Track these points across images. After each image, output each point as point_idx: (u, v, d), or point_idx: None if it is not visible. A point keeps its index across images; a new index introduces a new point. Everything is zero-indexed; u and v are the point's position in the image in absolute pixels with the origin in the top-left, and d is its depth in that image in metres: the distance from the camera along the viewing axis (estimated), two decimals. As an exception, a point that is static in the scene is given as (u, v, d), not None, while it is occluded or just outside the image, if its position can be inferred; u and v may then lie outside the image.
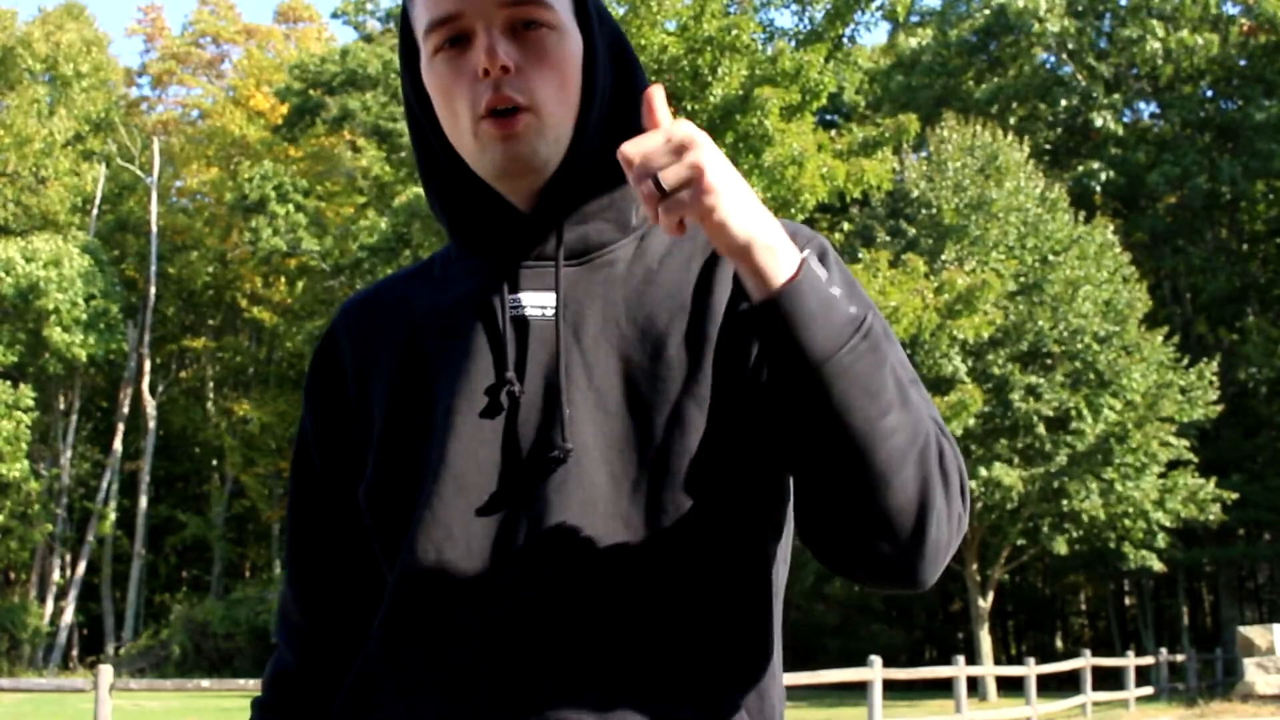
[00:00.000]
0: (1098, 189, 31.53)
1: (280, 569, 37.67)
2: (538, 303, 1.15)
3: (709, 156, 0.97)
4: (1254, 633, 19.24)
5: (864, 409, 1.00)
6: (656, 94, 1.00)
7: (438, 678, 1.08)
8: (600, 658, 1.05)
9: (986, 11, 33.82)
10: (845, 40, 23.19)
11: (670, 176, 0.96)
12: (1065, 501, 24.06)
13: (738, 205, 0.98)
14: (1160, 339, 26.12)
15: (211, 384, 43.04)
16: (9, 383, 32.77)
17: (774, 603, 1.15)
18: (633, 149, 0.97)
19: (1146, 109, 35.52)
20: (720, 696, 1.08)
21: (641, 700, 1.05)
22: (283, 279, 41.33)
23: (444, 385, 1.15)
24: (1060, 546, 24.62)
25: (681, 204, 0.97)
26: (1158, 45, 31.39)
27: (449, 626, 1.09)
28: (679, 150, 0.96)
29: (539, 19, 1.13)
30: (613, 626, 1.06)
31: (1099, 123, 32.18)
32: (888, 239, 25.02)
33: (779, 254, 1.01)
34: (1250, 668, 18.76)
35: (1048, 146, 34.39)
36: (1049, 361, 25.23)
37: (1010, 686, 22.71)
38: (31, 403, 32.72)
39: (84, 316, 34.01)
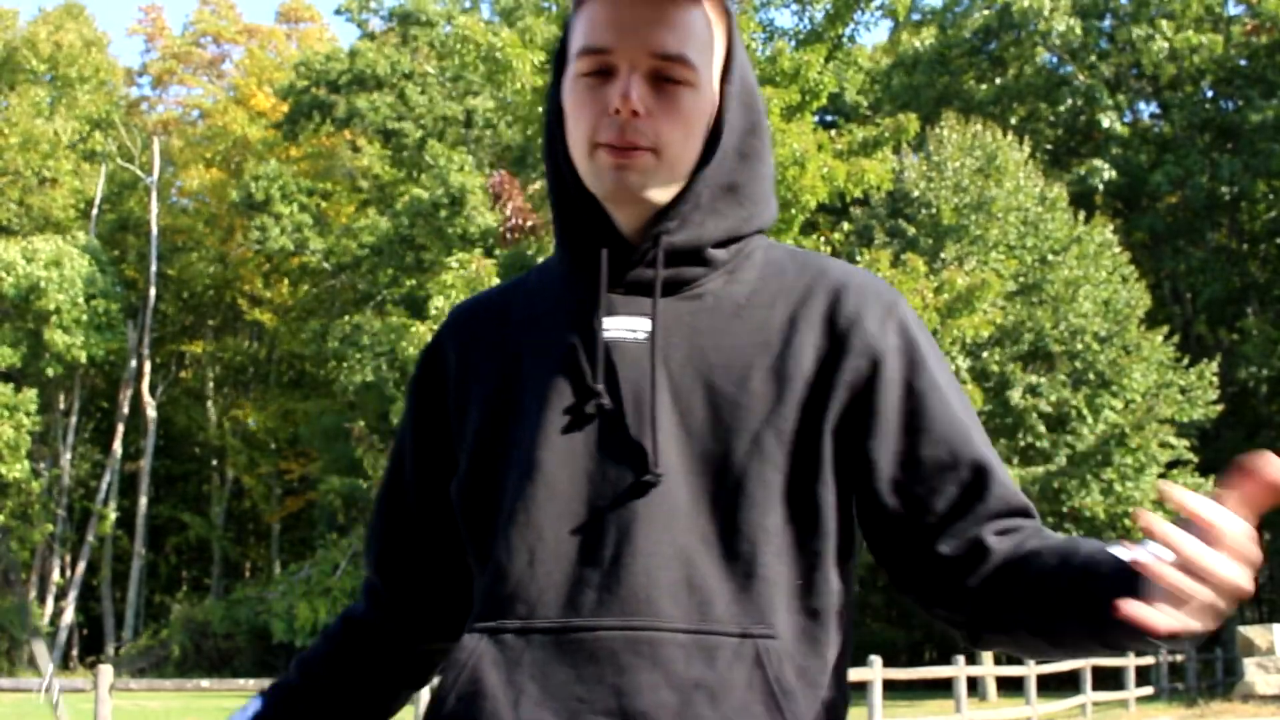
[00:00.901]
0: (1100, 187, 31.45)
1: (280, 569, 37.69)
2: (630, 326, 1.24)
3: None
4: (1254, 632, 19.24)
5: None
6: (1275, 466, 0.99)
7: (535, 674, 1.17)
8: (676, 662, 1.14)
9: (988, 11, 33.79)
10: (845, 40, 23.18)
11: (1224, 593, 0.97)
12: (1064, 500, 24.06)
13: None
14: (1160, 339, 26.11)
15: (212, 384, 43.04)
16: (10, 385, 32.78)
17: (845, 618, 1.24)
18: (1239, 550, 0.97)
19: (1147, 109, 35.51)
20: (775, 696, 1.15)
21: (714, 704, 1.13)
22: (285, 280, 41.35)
23: (538, 396, 1.24)
24: (1061, 541, 24.63)
25: (1202, 614, 0.97)
26: (1165, 45, 31.35)
27: (537, 617, 1.19)
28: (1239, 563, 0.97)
29: (680, 77, 1.21)
30: (689, 634, 1.15)
31: (1105, 124, 32.14)
32: (887, 239, 25.01)
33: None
34: (1250, 668, 18.76)
35: (1049, 147, 34.36)
36: (1049, 361, 25.22)
37: (1010, 686, 22.69)
38: (34, 408, 32.73)
39: (84, 317, 34.00)
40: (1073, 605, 1.11)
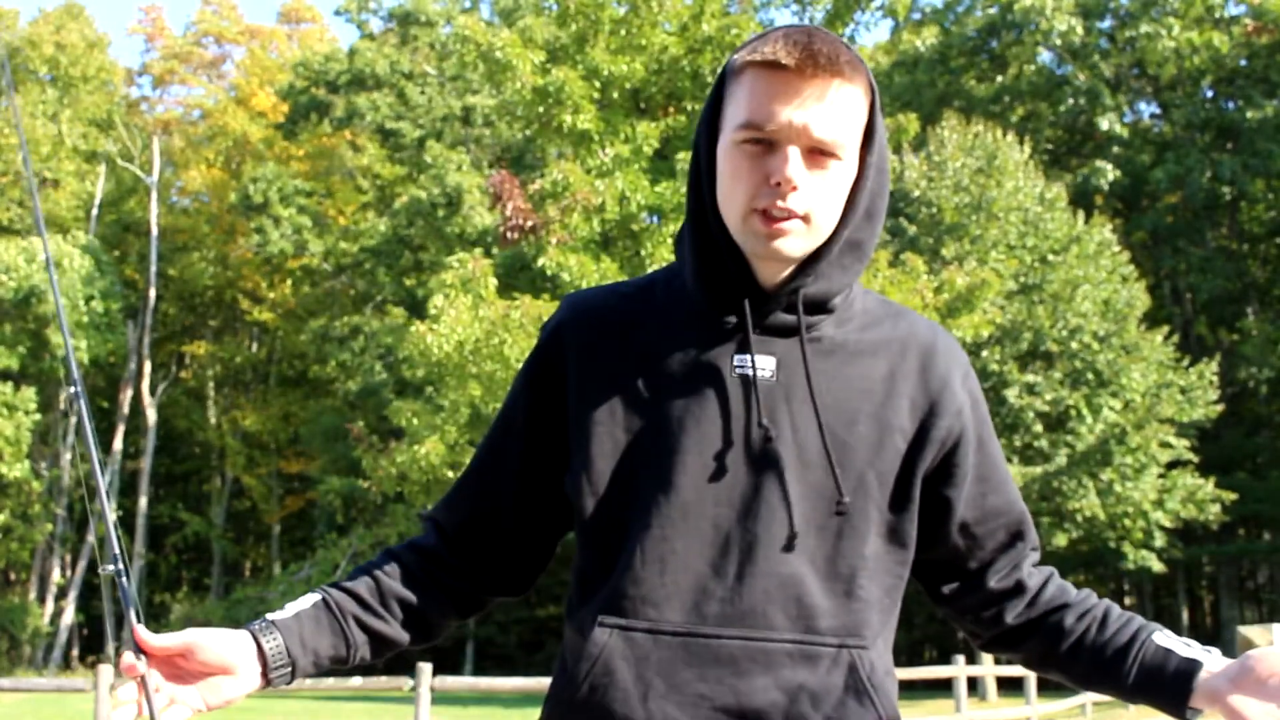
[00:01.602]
0: (1105, 186, 31.39)
1: (280, 569, 37.68)
2: (760, 364, 1.39)
3: None
4: (1254, 633, 19.15)
5: None
6: None
7: (663, 671, 1.34)
8: (785, 668, 1.34)
9: (992, 10, 33.77)
10: (845, 40, 23.17)
11: None
12: (1063, 500, 24.05)
13: None
14: (1160, 339, 26.09)
15: (212, 384, 43.03)
16: (11, 384, 32.75)
17: (892, 628, 1.47)
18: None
19: (1147, 109, 35.48)
20: (868, 693, 1.37)
21: (815, 704, 1.34)
22: (288, 280, 41.32)
23: (678, 420, 1.38)
24: (1059, 539, 24.62)
25: None
26: (1171, 44, 31.30)
27: (665, 620, 1.36)
28: None
29: (834, 153, 1.35)
30: (796, 644, 1.35)
31: (1104, 125, 32.10)
32: (888, 238, 25.01)
33: None
34: (1250, 668, 18.72)
35: (1049, 146, 34.34)
36: (1048, 361, 25.20)
37: (1010, 686, 22.70)
38: (34, 406, 32.70)
39: (84, 319, 33.96)
40: (1129, 686, 1.42)
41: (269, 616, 1.43)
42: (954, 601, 1.51)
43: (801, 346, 1.39)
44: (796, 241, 1.36)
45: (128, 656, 1.34)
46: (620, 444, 1.40)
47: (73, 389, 1.54)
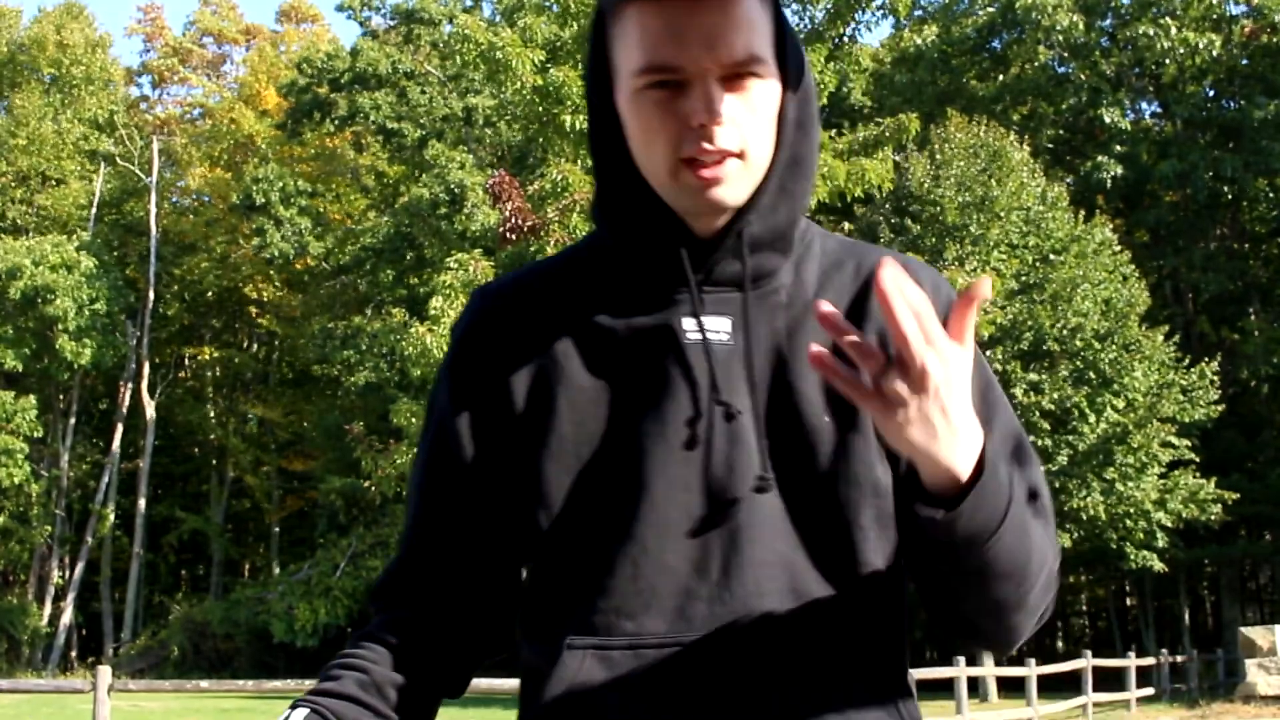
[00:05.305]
0: (1108, 181, 31.34)
1: (279, 569, 37.66)
2: (712, 327, 1.19)
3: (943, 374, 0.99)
4: (1255, 633, 19.22)
5: (1002, 583, 1.11)
6: (984, 288, 1.01)
7: (649, 689, 1.14)
8: (778, 662, 1.14)
9: (992, 9, 33.75)
10: (846, 39, 23.16)
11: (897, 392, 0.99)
12: (1065, 499, 24.04)
13: (939, 430, 1.02)
14: (1161, 338, 26.08)
15: (212, 384, 43.02)
16: (11, 393, 32.77)
17: (903, 609, 1.24)
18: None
19: (1149, 108, 35.47)
20: (877, 684, 1.18)
21: (813, 699, 1.14)
22: (289, 283, 41.31)
23: (631, 404, 1.18)
24: (1062, 539, 24.62)
25: (892, 418, 1.01)
26: (1168, 44, 31.27)
27: (646, 632, 1.15)
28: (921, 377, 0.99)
29: (753, 72, 1.14)
30: (788, 637, 1.15)
31: (1108, 119, 32.03)
32: (891, 236, 24.99)
33: (959, 467, 1.04)
34: (1252, 669, 18.75)
35: (1050, 145, 34.32)
36: (1048, 362, 25.18)
37: (1011, 687, 22.67)
38: (33, 414, 32.72)
39: (86, 321, 33.94)
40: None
41: None
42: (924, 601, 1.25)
43: (744, 300, 1.19)
44: (736, 184, 1.15)
45: None
46: (570, 437, 1.19)
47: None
